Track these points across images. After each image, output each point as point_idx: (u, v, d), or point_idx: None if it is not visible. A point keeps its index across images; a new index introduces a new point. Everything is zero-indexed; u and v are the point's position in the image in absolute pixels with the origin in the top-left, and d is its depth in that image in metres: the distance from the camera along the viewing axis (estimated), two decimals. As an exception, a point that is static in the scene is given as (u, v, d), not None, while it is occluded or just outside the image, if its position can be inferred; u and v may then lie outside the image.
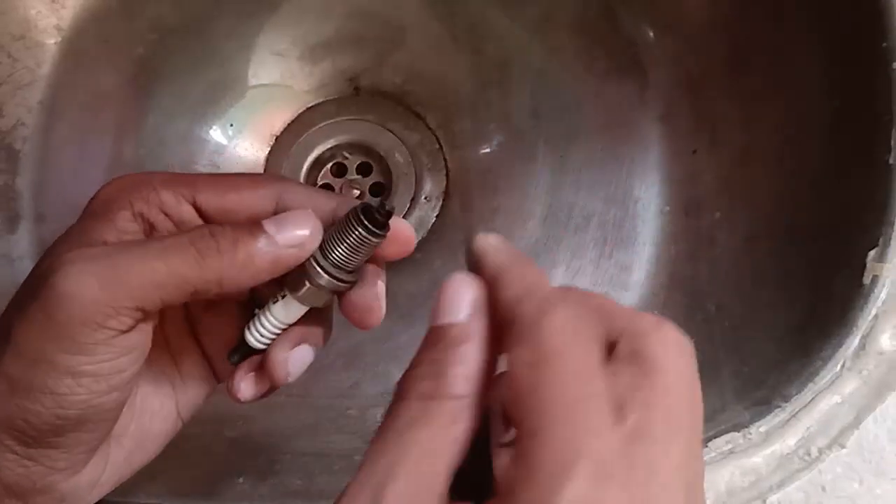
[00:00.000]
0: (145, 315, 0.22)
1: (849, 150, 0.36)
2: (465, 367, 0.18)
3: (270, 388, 0.26)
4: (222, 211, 0.25)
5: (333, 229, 0.24)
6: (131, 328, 0.21)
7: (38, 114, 0.41)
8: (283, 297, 0.25)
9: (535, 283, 0.19)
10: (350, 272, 0.24)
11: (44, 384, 0.21)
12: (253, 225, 0.22)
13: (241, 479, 0.35)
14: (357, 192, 0.47)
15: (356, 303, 0.25)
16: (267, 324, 0.26)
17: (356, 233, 0.23)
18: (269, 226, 0.22)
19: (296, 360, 0.26)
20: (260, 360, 0.26)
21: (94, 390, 0.21)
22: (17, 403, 0.21)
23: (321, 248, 0.24)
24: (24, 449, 0.21)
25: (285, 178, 0.26)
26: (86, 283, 0.20)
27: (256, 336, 0.26)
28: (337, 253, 0.24)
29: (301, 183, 0.26)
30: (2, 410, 0.21)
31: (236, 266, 0.22)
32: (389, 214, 0.24)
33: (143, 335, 0.22)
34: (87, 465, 0.23)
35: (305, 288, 0.24)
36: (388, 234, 0.24)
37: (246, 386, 0.26)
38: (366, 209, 0.23)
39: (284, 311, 0.25)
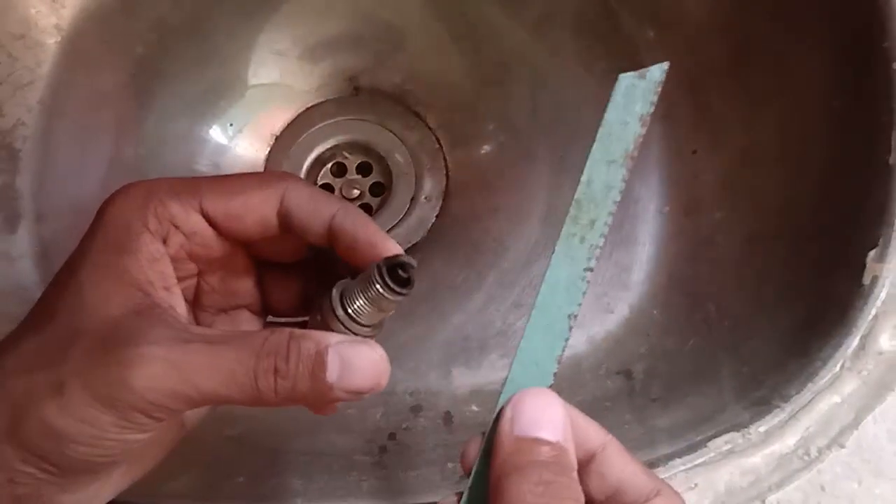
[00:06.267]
0: None
1: (849, 150, 0.36)
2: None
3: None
4: (229, 217, 0.25)
5: (356, 283, 0.24)
6: None
7: (38, 113, 0.41)
8: None
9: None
10: (370, 326, 0.24)
11: (87, 440, 0.21)
12: (317, 363, 0.21)
13: (241, 479, 0.35)
14: (357, 192, 0.47)
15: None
16: None
17: (376, 290, 0.23)
18: (332, 373, 0.22)
19: None
20: None
21: (131, 440, 0.22)
22: (54, 447, 0.21)
23: (342, 299, 0.24)
24: (46, 475, 0.22)
25: (289, 176, 0.26)
26: (158, 390, 0.21)
27: None
28: (356, 307, 0.24)
29: (305, 182, 0.26)
30: (39, 449, 0.21)
31: (287, 403, 0.22)
32: (412, 272, 0.24)
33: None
34: (91, 484, 0.23)
35: None
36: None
37: None
38: (390, 267, 0.23)
39: None
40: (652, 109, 0.23)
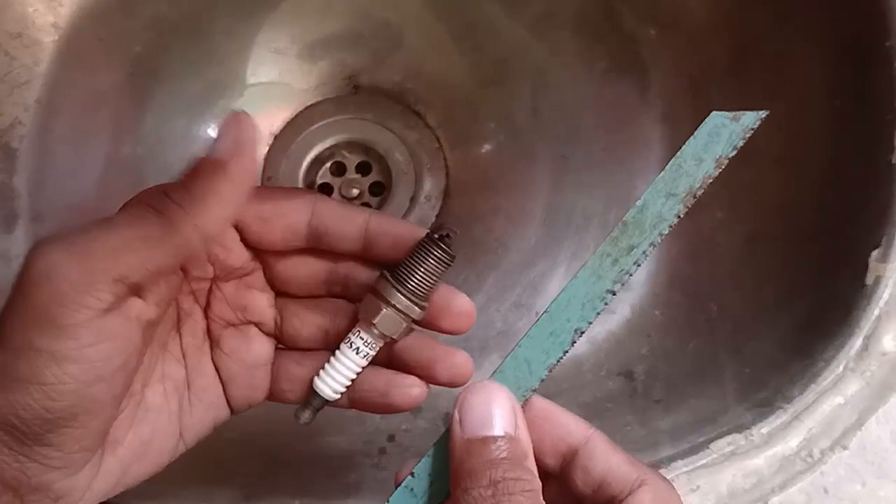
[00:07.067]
0: (127, 290, 0.22)
1: (851, 150, 0.36)
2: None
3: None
4: (259, 219, 0.25)
5: (405, 257, 0.25)
6: (113, 307, 0.21)
7: (36, 112, 0.41)
8: (356, 335, 0.26)
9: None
10: (423, 299, 0.25)
11: (30, 374, 0.20)
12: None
13: (239, 480, 0.35)
14: (356, 192, 0.47)
15: (450, 308, 0.26)
16: (341, 367, 0.26)
17: (433, 256, 0.25)
18: (209, 148, 0.22)
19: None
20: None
21: (82, 380, 0.21)
22: (6, 398, 0.21)
23: (395, 276, 0.25)
24: (19, 445, 0.21)
25: (319, 193, 0.27)
26: (59, 261, 0.20)
27: (331, 385, 0.26)
28: (415, 279, 0.25)
29: (333, 199, 0.27)
30: None
31: (199, 210, 0.22)
32: (454, 238, 0.25)
33: (128, 322, 0.22)
34: (85, 468, 0.23)
35: (382, 313, 0.25)
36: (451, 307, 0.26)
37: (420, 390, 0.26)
38: (440, 235, 0.25)
39: (357, 352, 0.26)
40: (733, 153, 0.22)
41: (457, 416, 0.22)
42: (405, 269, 0.25)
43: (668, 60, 0.44)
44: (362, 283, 0.27)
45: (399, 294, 0.25)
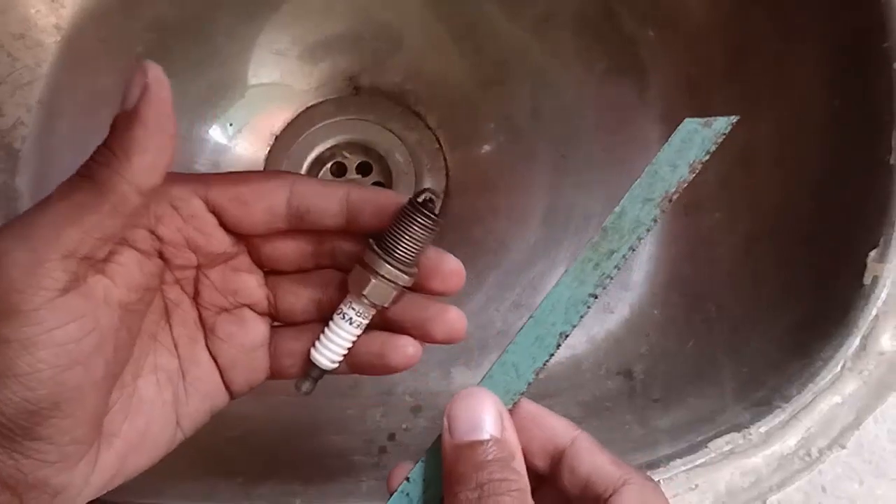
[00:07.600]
0: (83, 266, 0.21)
1: (849, 150, 0.36)
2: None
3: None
4: (237, 201, 0.25)
5: (389, 226, 0.25)
6: (71, 285, 0.21)
7: (38, 113, 0.41)
8: (348, 306, 0.26)
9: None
10: (411, 265, 0.25)
11: (4, 367, 0.20)
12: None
13: (240, 480, 0.35)
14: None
15: (440, 269, 0.26)
16: (336, 338, 0.26)
17: (417, 223, 0.25)
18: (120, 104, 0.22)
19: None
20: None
21: (56, 364, 0.21)
22: None
23: (381, 245, 0.25)
24: (10, 442, 0.21)
25: (296, 173, 0.27)
26: (6, 248, 0.20)
27: (328, 356, 0.27)
28: (402, 247, 0.25)
29: (311, 177, 0.27)
30: None
31: (125, 164, 0.21)
32: (437, 202, 0.25)
33: (92, 302, 0.22)
34: (81, 462, 0.23)
35: (371, 284, 0.25)
36: (439, 269, 0.26)
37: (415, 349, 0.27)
38: (422, 201, 0.25)
39: (351, 322, 0.26)
40: (706, 158, 0.23)
41: (446, 423, 0.22)
42: (391, 237, 0.25)
43: (667, 61, 0.44)
44: (349, 252, 0.27)
45: (387, 264, 0.25)
